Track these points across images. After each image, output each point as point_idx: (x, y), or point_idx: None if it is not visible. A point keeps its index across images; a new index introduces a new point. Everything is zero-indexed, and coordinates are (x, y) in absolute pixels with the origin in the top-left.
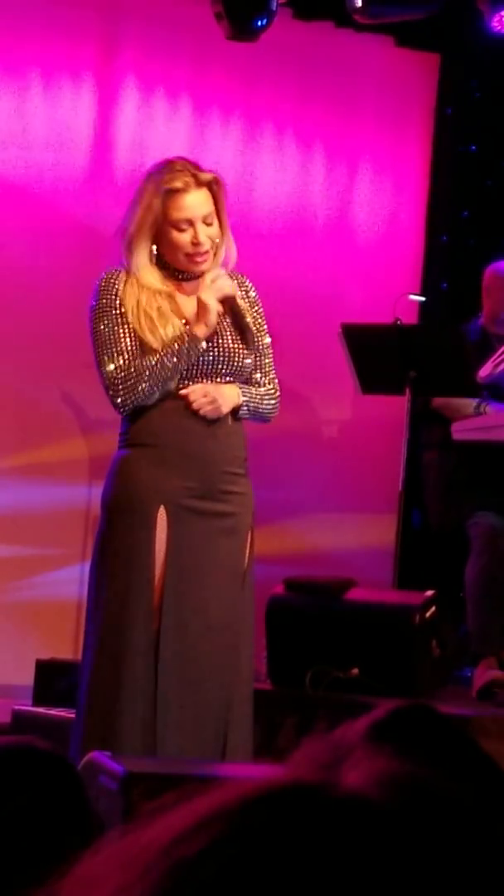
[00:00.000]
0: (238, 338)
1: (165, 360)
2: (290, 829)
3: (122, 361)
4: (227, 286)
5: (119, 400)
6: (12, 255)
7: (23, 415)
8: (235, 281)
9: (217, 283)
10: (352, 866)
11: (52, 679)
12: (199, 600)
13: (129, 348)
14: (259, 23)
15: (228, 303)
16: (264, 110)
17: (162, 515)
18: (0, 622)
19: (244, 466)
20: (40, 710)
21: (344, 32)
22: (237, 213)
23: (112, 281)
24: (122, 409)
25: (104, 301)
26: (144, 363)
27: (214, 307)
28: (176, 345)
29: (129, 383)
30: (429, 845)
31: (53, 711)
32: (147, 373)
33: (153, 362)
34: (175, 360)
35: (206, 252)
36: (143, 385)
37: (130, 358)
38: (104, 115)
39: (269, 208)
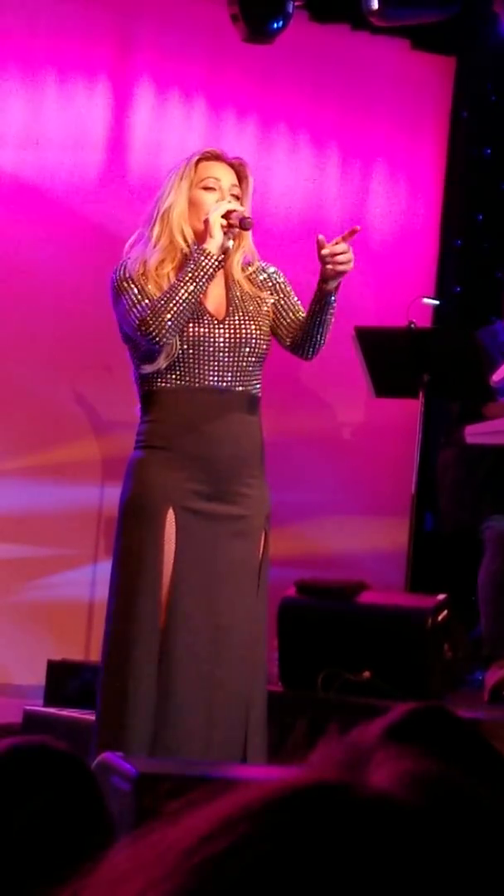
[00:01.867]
0: (258, 324)
1: (182, 277)
2: (318, 829)
3: (146, 302)
4: (229, 204)
5: (152, 330)
6: (26, 255)
7: (36, 416)
8: (263, 272)
9: (218, 204)
10: (381, 866)
11: (63, 680)
12: (207, 601)
13: (151, 294)
14: (275, 25)
15: (251, 289)
16: (279, 112)
17: (170, 517)
18: (12, 622)
19: (260, 468)
20: (51, 710)
21: (360, 35)
22: (251, 214)
23: (126, 264)
24: (157, 340)
25: (123, 273)
26: (166, 290)
27: (217, 221)
28: (190, 264)
29: (156, 310)
30: (458, 844)
31: (65, 712)
32: (168, 294)
33: (173, 282)
34: (191, 271)
35: None
36: (170, 307)
37: (152, 298)
38: (118, 115)
39: (283, 211)
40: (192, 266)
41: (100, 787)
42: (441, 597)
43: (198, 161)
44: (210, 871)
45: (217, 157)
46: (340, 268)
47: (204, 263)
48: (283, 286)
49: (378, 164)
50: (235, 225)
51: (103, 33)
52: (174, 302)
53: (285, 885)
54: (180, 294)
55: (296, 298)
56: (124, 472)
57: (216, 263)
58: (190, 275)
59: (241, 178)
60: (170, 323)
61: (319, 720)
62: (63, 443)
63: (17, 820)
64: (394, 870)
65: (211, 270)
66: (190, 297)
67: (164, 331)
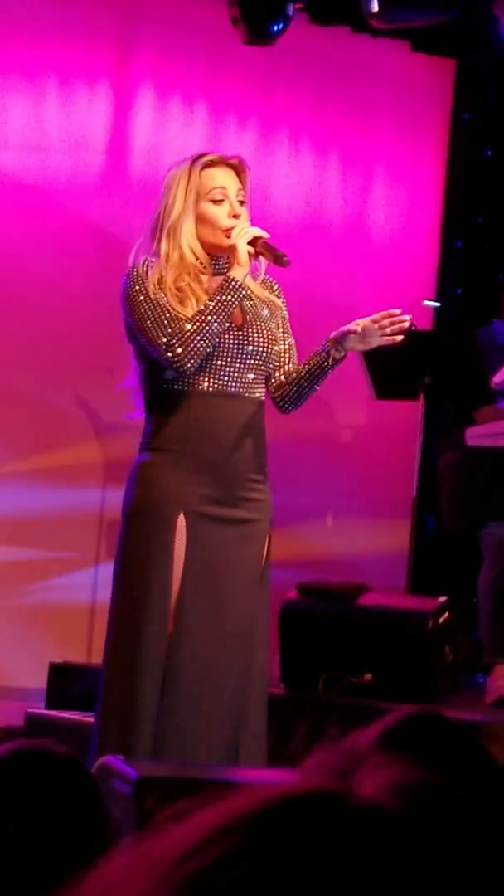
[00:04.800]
0: (272, 331)
1: (210, 304)
2: (305, 841)
3: (171, 327)
4: (255, 229)
5: (181, 360)
6: (27, 258)
7: (37, 418)
8: (272, 286)
9: (243, 229)
10: (369, 877)
11: (65, 682)
12: (216, 606)
13: (174, 315)
14: (275, 27)
15: (263, 300)
16: (280, 115)
17: (181, 521)
18: (14, 625)
19: (264, 472)
20: (53, 713)
21: (360, 37)
22: (252, 217)
23: (142, 268)
24: (185, 366)
25: (137, 286)
26: (192, 317)
27: (244, 248)
28: (218, 295)
29: (185, 341)
30: (446, 854)
31: (66, 714)
32: (198, 325)
33: (200, 309)
34: (220, 299)
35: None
36: (199, 339)
37: (177, 320)
38: (120, 118)
39: (285, 213)
40: (220, 298)
41: (100, 791)
42: (442, 599)
43: (201, 169)
44: (198, 884)
45: (219, 163)
46: (388, 340)
47: (231, 295)
48: (285, 322)
49: (379, 166)
50: (263, 254)
51: (104, 37)
52: (202, 334)
53: None
54: (211, 327)
55: (290, 339)
56: (129, 475)
57: (243, 292)
58: (219, 306)
59: (240, 175)
60: (197, 356)
61: (321, 722)
62: (65, 445)
63: (18, 824)
64: (382, 880)
65: (238, 300)
66: (219, 327)
67: (192, 362)
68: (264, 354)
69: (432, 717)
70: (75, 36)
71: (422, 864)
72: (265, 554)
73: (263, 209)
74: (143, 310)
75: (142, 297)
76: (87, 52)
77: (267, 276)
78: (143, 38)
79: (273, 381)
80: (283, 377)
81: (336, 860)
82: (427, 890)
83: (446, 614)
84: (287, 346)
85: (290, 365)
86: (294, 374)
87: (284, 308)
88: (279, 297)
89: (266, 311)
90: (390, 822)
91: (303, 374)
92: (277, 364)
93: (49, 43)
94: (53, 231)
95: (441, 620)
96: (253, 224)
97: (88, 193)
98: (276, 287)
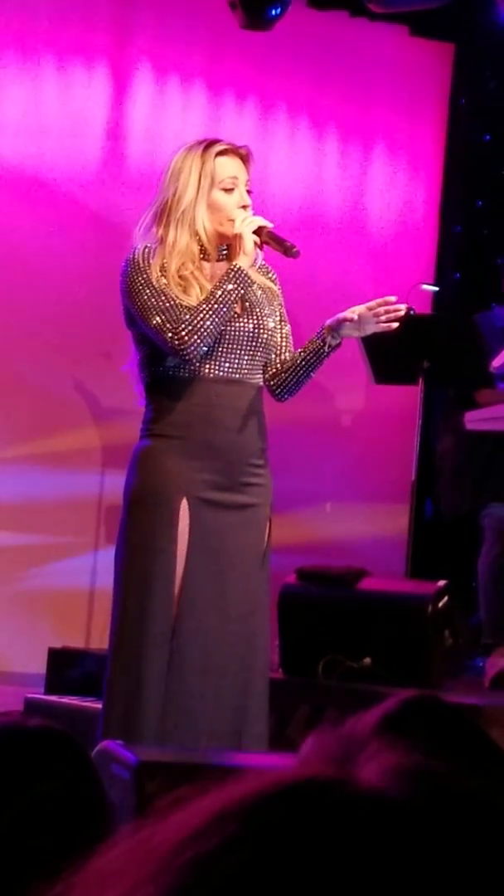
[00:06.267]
0: (273, 317)
1: (217, 292)
2: (307, 828)
3: (176, 314)
4: (260, 218)
5: (186, 343)
6: (25, 243)
7: (36, 404)
8: (263, 271)
9: (247, 218)
10: (371, 863)
11: (64, 667)
12: (219, 592)
13: (178, 303)
14: (273, 12)
15: (263, 286)
16: (278, 99)
17: (184, 507)
18: (13, 610)
19: (264, 457)
20: (52, 698)
21: (358, 22)
22: (251, 203)
23: (144, 253)
24: (192, 353)
25: (139, 273)
26: (197, 305)
27: (250, 237)
28: (225, 284)
29: (191, 325)
30: (449, 841)
31: (65, 699)
32: (204, 308)
33: (206, 297)
34: (226, 288)
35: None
36: (203, 321)
37: (182, 308)
38: (118, 102)
39: (283, 198)
40: (225, 287)
41: (98, 772)
42: (441, 583)
43: (215, 156)
44: (198, 871)
45: (230, 151)
46: (383, 326)
47: (236, 284)
48: (282, 308)
49: (377, 151)
50: (270, 244)
51: (102, 20)
52: (208, 322)
53: (274, 884)
54: (216, 315)
55: (287, 327)
56: (130, 461)
57: (248, 281)
58: (224, 295)
59: (246, 164)
60: (203, 343)
61: (320, 707)
62: (63, 430)
63: (17, 806)
64: (383, 867)
65: (243, 289)
66: (224, 316)
67: (198, 350)
68: (264, 341)
69: (431, 701)
70: (73, 19)
71: (426, 850)
72: (266, 539)
73: (261, 195)
74: (146, 297)
75: (144, 285)
76: (84, 36)
77: (263, 263)
78: (141, 22)
79: (269, 368)
80: (279, 365)
81: (338, 846)
82: (431, 876)
83: (445, 599)
84: (284, 334)
85: (287, 353)
86: (290, 362)
87: (281, 295)
88: (276, 284)
89: (264, 298)
90: (393, 808)
91: (299, 361)
92: (275, 351)
93: (46, 26)
94: (50, 215)
95: (440, 605)
96: (252, 210)
97: (86, 178)
98: (272, 273)
